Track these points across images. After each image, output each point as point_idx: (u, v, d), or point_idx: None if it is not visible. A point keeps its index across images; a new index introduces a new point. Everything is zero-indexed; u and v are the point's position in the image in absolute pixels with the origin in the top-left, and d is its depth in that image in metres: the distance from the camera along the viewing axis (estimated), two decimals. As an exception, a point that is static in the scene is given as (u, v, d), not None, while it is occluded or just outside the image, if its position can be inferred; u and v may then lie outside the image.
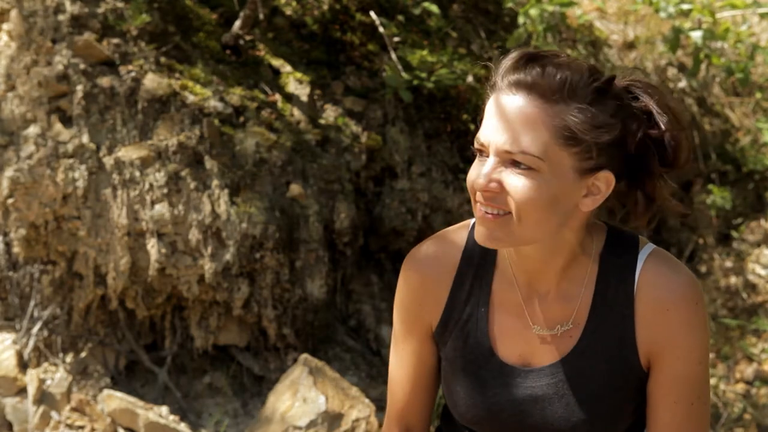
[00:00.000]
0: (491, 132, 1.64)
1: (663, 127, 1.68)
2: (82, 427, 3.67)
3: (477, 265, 1.81)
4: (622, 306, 1.74)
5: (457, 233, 1.84)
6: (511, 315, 1.79)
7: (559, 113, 1.61)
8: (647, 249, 1.73)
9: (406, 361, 1.89)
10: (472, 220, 1.82)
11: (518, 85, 1.63)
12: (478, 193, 1.66)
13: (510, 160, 1.63)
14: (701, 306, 1.72)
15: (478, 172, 1.65)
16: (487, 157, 1.66)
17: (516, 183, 1.62)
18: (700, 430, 1.75)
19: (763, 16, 5.41)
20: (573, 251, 1.74)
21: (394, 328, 1.91)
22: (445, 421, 1.96)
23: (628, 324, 1.73)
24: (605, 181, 1.66)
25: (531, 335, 1.78)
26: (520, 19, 4.57)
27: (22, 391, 3.71)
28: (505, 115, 1.63)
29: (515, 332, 1.79)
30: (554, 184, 1.62)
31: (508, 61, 1.66)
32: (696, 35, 4.83)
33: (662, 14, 4.84)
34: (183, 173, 3.75)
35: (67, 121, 3.76)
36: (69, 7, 3.83)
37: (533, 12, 4.53)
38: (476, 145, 1.68)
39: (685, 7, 4.81)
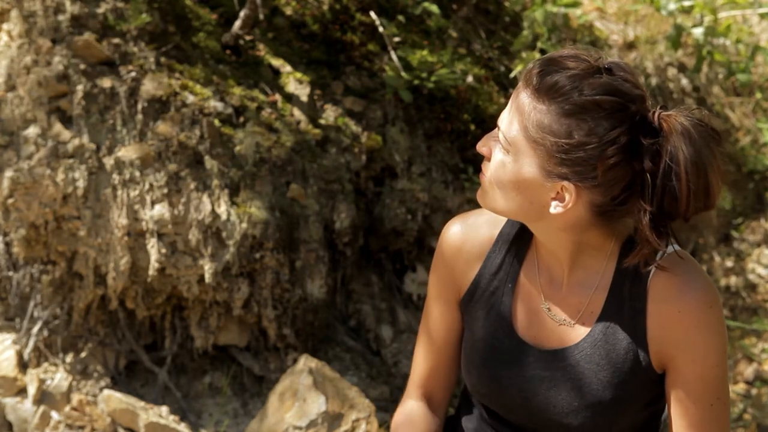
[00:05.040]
0: (504, 110, 1.78)
1: (683, 181, 1.65)
2: (82, 427, 3.67)
3: (511, 242, 1.89)
4: (635, 302, 1.77)
5: None
6: (533, 297, 1.85)
7: (537, 110, 1.68)
8: (667, 249, 1.75)
9: (434, 326, 1.96)
10: None
11: (525, 78, 1.73)
12: None
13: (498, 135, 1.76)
14: (716, 309, 1.74)
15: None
16: None
17: (493, 155, 1.76)
18: (721, 431, 1.76)
19: (763, 16, 5.41)
20: (575, 246, 1.79)
21: (428, 293, 1.99)
22: (463, 404, 2.00)
23: (640, 320, 1.76)
24: (569, 194, 1.70)
25: (547, 319, 1.83)
26: (525, 22, 4.58)
27: (22, 391, 3.71)
28: (511, 100, 1.76)
29: (534, 314, 1.85)
30: (515, 171, 1.72)
31: (541, 58, 1.75)
32: (697, 31, 4.84)
33: (663, 12, 4.85)
34: (183, 173, 3.75)
35: (67, 121, 3.75)
36: (69, 7, 3.83)
37: (538, 14, 4.54)
38: None
39: (687, 3, 4.81)
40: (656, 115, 1.69)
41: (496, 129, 1.76)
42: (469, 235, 1.92)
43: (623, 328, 1.77)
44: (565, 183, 1.68)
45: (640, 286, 1.76)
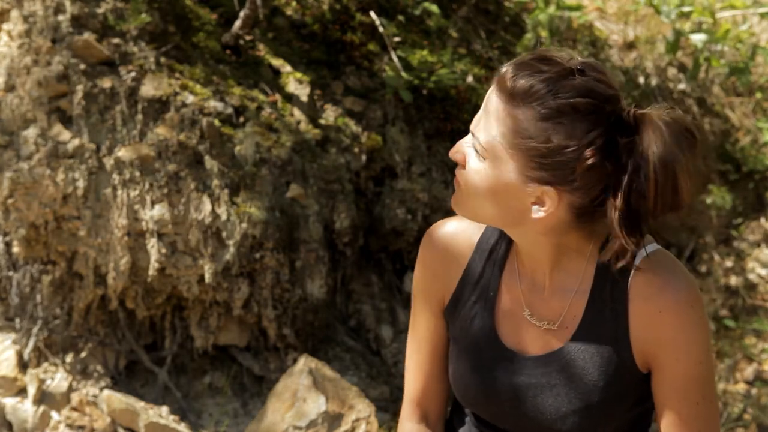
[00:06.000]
0: (477, 115, 1.75)
1: (651, 179, 1.65)
2: (82, 427, 3.67)
3: (492, 250, 1.87)
4: (616, 303, 1.76)
5: None
6: (515, 304, 1.84)
7: (513, 116, 1.67)
8: (647, 248, 1.74)
9: (423, 340, 1.94)
10: None
11: (498, 82, 1.70)
12: None
13: (473, 142, 1.74)
14: (697, 307, 1.73)
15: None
16: None
17: (468, 162, 1.73)
18: (709, 430, 1.76)
19: (763, 16, 5.41)
20: (555, 249, 1.77)
21: (412, 305, 1.97)
22: (455, 409, 2.00)
23: (622, 321, 1.76)
24: (550, 198, 1.69)
25: (530, 325, 1.82)
26: (529, 25, 4.59)
27: (22, 391, 3.71)
28: (485, 105, 1.73)
29: (516, 321, 1.84)
30: (493, 177, 1.70)
31: (513, 62, 1.72)
32: (696, 38, 4.85)
33: (663, 18, 4.85)
34: (183, 173, 3.75)
35: (67, 121, 3.76)
36: (69, 7, 3.83)
37: (542, 17, 4.55)
38: None
39: (686, 9, 4.82)
40: (631, 113, 1.68)
41: (470, 135, 1.74)
42: (451, 241, 1.90)
43: (606, 330, 1.76)
44: (546, 187, 1.67)
45: (621, 287, 1.75)
